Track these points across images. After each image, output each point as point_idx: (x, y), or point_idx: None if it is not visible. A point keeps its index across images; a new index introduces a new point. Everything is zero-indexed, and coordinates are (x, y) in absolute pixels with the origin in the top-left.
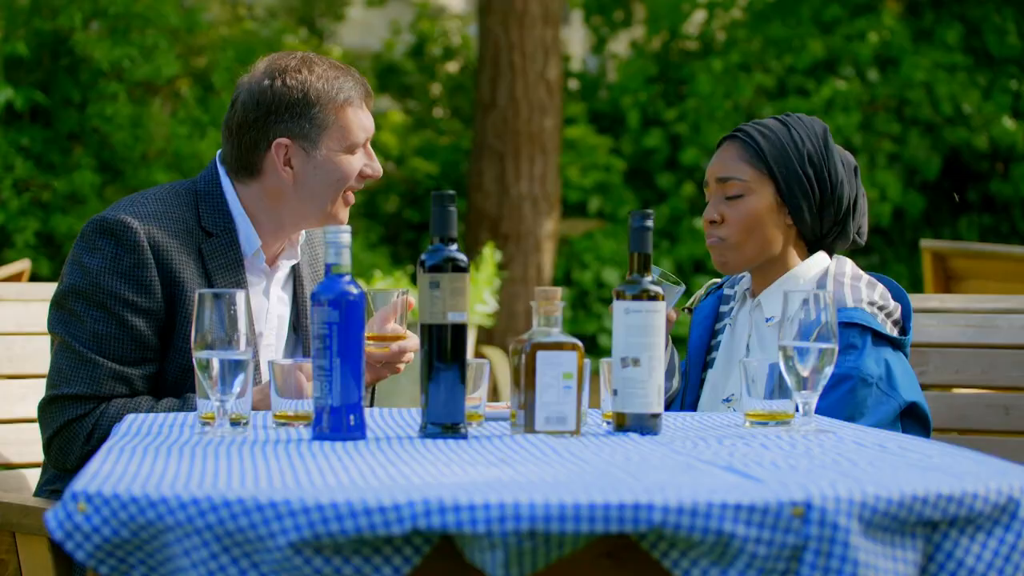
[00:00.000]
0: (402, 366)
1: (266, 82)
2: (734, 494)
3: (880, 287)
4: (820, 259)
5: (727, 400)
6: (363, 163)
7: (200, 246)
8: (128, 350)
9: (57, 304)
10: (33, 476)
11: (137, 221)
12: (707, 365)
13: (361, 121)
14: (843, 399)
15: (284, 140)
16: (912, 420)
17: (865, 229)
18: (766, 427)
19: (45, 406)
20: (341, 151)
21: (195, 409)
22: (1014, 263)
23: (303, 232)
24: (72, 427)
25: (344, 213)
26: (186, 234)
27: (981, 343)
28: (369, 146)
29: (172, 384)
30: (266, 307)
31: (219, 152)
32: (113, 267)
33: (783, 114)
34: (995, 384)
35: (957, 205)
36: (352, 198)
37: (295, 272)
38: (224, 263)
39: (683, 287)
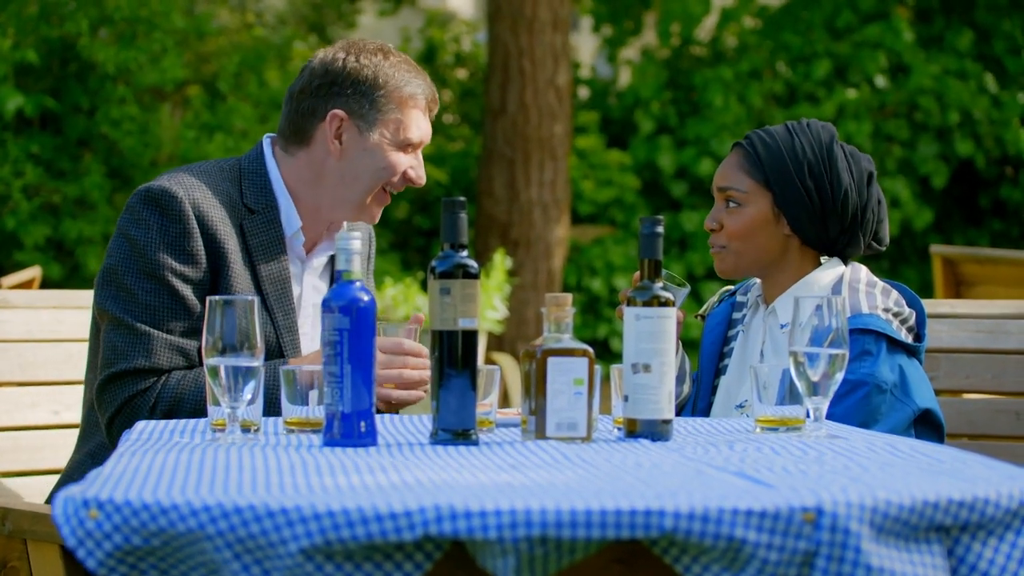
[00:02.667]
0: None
1: (340, 54)
2: (745, 500)
3: (895, 293)
4: (835, 266)
5: (740, 406)
6: (409, 165)
7: (242, 222)
8: (182, 321)
9: (105, 281)
10: (43, 483)
11: (182, 190)
12: (719, 372)
13: (420, 122)
14: (857, 405)
15: (340, 112)
16: (926, 427)
17: (884, 235)
18: (777, 433)
19: (104, 385)
20: (392, 143)
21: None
22: None
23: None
24: (134, 402)
25: (377, 212)
26: (229, 207)
27: (991, 348)
28: (420, 153)
29: None
30: (299, 293)
31: (266, 135)
32: (160, 238)
33: (794, 120)
34: (1005, 389)
35: (968, 210)
36: (388, 199)
37: (333, 265)
38: (265, 240)
39: (688, 288)
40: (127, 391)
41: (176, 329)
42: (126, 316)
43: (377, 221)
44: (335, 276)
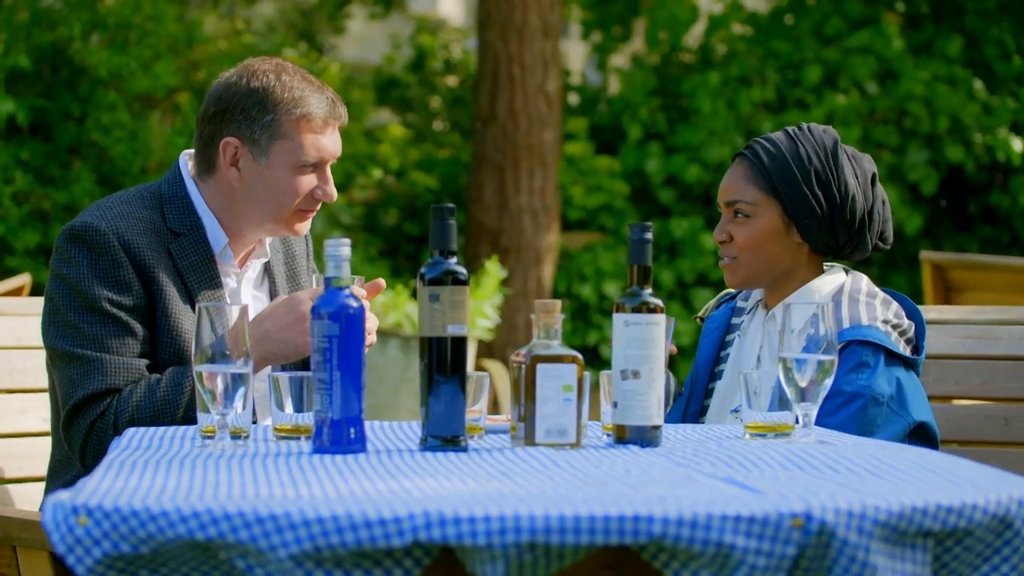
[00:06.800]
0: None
1: (233, 78)
2: (734, 506)
3: (895, 305)
4: (836, 275)
5: (735, 411)
6: (314, 184)
7: (169, 247)
8: (129, 346)
9: (50, 322)
10: (33, 490)
11: (104, 223)
12: (715, 376)
13: (317, 142)
14: (854, 417)
15: (233, 140)
16: (921, 440)
17: (889, 234)
18: (766, 439)
19: (69, 421)
20: (290, 167)
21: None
22: (1014, 274)
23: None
24: (97, 426)
25: (301, 226)
26: (154, 234)
27: (981, 354)
28: (327, 169)
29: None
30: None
31: (182, 153)
32: (92, 272)
33: (795, 126)
34: (994, 395)
35: (957, 217)
36: (308, 215)
37: (268, 270)
38: (195, 261)
39: (672, 321)
40: (89, 418)
41: (126, 352)
42: (76, 348)
43: (304, 234)
44: (324, 283)
